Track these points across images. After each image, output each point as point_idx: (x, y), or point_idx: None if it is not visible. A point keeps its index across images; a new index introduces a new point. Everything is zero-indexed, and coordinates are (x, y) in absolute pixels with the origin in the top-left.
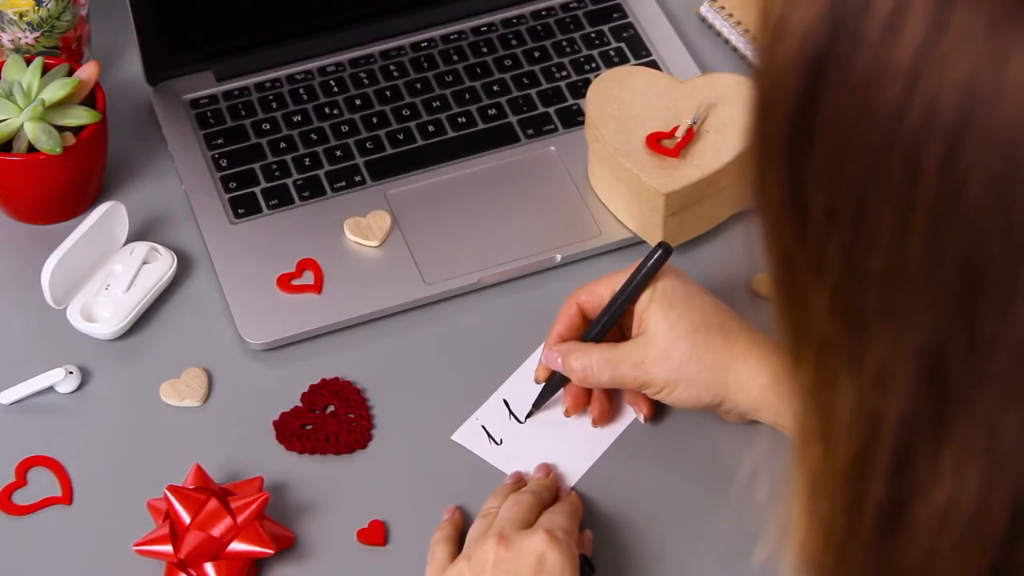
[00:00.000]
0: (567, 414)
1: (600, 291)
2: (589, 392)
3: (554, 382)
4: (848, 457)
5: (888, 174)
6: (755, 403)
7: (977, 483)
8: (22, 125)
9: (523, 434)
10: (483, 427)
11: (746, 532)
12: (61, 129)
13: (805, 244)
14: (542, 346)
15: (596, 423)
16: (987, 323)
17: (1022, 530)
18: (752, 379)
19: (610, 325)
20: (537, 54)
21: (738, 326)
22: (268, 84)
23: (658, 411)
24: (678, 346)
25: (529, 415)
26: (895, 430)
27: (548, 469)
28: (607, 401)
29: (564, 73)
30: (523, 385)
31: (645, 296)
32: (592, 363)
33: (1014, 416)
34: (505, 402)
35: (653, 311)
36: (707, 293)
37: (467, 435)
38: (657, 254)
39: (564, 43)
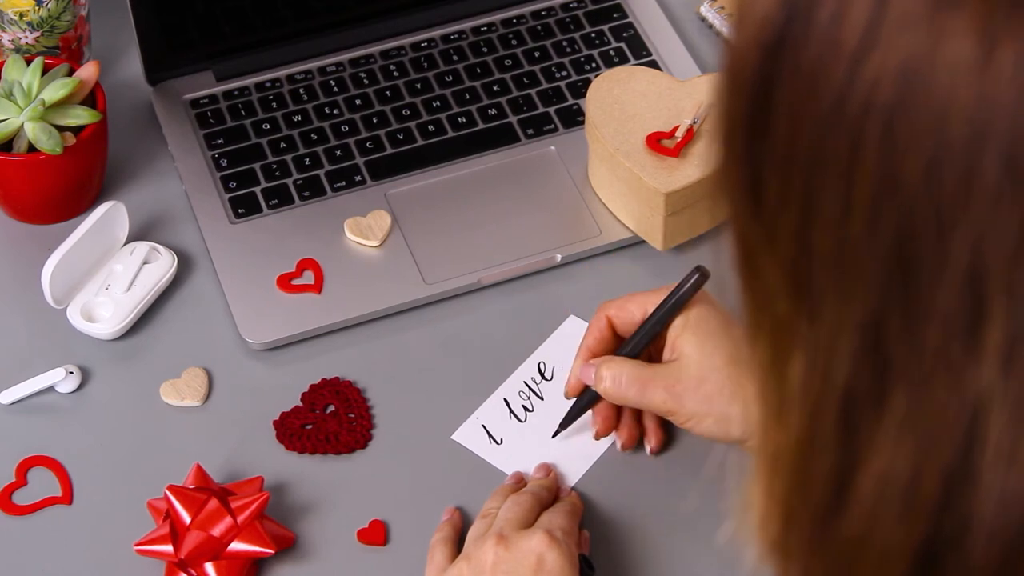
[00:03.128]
0: (597, 436)
1: (631, 308)
2: (618, 414)
3: (585, 399)
4: (799, 432)
5: (834, 154)
6: None
7: (911, 454)
8: (22, 125)
9: (523, 434)
10: (483, 426)
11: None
12: (61, 129)
13: (760, 224)
14: (542, 345)
15: (625, 447)
16: (919, 295)
17: (952, 501)
18: None
19: (645, 343)
20: (537, 54)
21: None
22: (268, 84)
23: None
24: (712, 377)
25: (556, 433)
26: (839, 402)
27: (548, 469)
28: (636, 425)
29: (564, 73)
30: (524, 384)
31: (678, 322)
32: (623, 376)
33: (940, 388)
34: (505, 401)
35: (688, 338)
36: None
37: (467, 434)
38: (694, 278)
39: (564, 43)
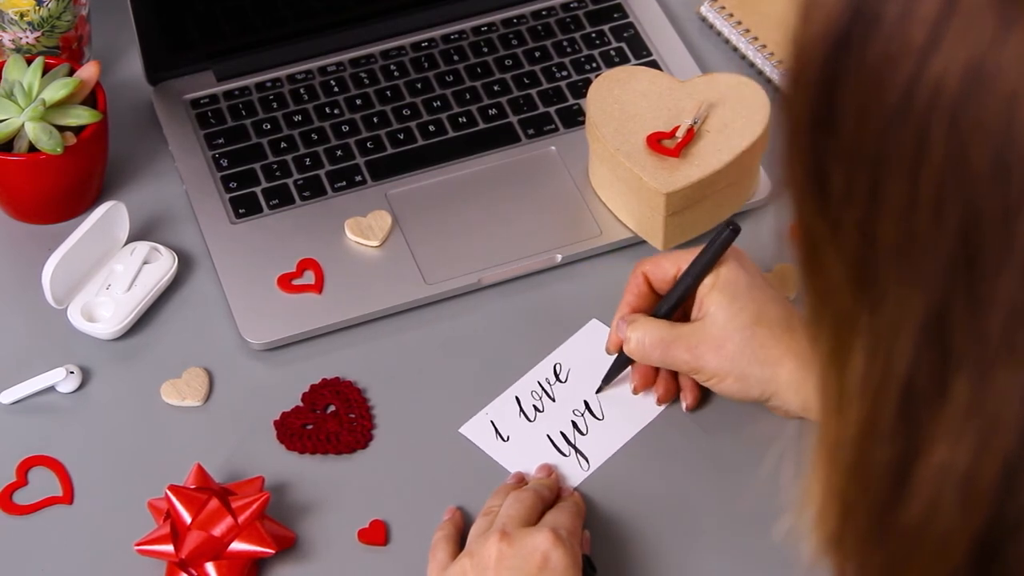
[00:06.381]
0: (635, 391)
1: (665, 265)
2: (656, 371)
3: (625, 356)
4: (859, 424)
5: (900, 149)
6: (805, 402)
7: (972, 442)
8: (23, 125)
9: (530, 432)
10: (492, 422)
11: (747, 532)
12: (62, 129)
13: (825, 218)
14: (561, 346)
15: (661, 402)
16: (984, 283)
17: (1012, 489)
18: (806, 378)
19: (680, 303)
20: (537, 54)
21: (799, 323)
22: (268, 84)
23: (658, 413)
24: (734, 337)
25: (599, 390)
26: (900, 393)
27: (549, 469)
28: (673, 381)
29: (564, 73)
30: (537, 384)
31: (708, 280)
32: (647, 337)
33: (1003, 376)
34: (517, 399)
35: (714, 297)
36: (770, 285)
37: (475, 429)
38: (725, 233)
39: (564, 43)
